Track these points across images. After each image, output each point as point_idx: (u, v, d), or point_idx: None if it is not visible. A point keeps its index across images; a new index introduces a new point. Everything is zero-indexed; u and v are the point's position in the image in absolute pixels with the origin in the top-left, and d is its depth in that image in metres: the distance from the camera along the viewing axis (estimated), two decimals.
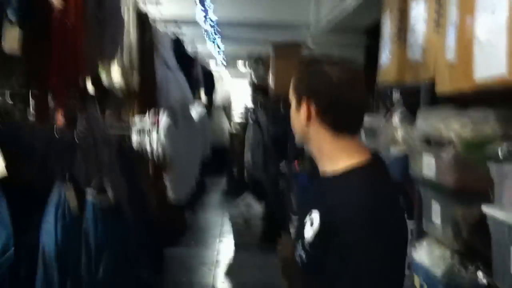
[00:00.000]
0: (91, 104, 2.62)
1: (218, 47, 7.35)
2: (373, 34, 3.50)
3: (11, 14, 1.90)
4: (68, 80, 2.25)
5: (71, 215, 2.09)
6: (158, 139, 4.68)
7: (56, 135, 2.28)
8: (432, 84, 1.80)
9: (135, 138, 3.90)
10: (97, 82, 2.98)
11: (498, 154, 1.34)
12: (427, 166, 1.67)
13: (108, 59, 2.79)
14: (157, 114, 4.44)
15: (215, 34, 6.09)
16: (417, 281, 1.73)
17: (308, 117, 1.29)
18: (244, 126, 8.17)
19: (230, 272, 4.77)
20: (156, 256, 3.09)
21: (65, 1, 2.09)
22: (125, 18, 3.11)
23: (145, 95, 3.59)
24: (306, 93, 1.30)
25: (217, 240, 5.68)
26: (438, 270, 1.59)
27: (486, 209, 1.33)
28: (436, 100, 1.83)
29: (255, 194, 5.88)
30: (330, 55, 1.38)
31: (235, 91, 10.92)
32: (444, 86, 1.69)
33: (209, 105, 8.22)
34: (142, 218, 2.64)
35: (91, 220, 2.14)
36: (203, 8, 4.67)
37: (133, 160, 2.90)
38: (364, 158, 1.27)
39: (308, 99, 1.29)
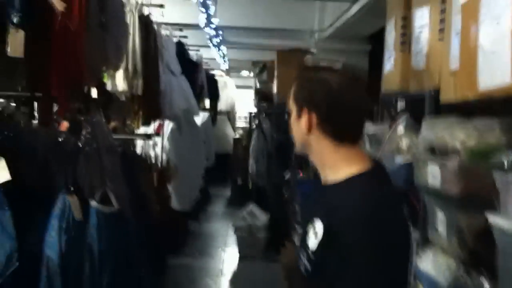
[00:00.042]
0: (95, 109, 2.63)
1: (222, 53, 7.36)
2: (377, 40, 3.51)
3: (14, 18, 1.91)
4: (72, 84, 2.26)
5: (75, 225, 2.08)
6: (162, 145, 4.69)
7: (59, 140, 2.28)
8: (436, 93, 1.80)
9: (139, 144, 3.91)
10: (101, 87, 2.99)
11: (503, 163, 1.34)
12: (432, 175, 1.66)
13: (113, 65, 2.79)
14: (161, 120, 4.44)
15: (219, 39, 6.10)
16: None
17: (309, 127, 1.29)
18: (248, 131, 8.17)
19: (234, 283, 4.75)
20: (160, 266, 3.08)
21: (67, 5, 2.10)
22: (129, 22, 3.12)
23: (149, 100, 3.59)
24: (307, 103, 1.30)
25: (221, 250, 5.66)
26: (443, 279, 1.58)
27: (492, 218, 1.33)
28: (440, 108, 1.83)
29: (259, 203, 5.86)
30: (330, 61, 1.39)
31: (239, 97, 10.93)
32: (448, 94, 1.69)
33: (213, 112, 8.22)
34: (145, 227, 2.64)
35: (94, 228, 2.13)
36: (207, 13, 4.68)
37: (137, 167, 2.90)
38: (365, 166, 1.27)
39: (309, 109, 1.29)
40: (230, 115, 9.91)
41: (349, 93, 1.28)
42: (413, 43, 2.09)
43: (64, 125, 2.51)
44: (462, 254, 1.55)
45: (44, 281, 2.05)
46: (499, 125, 1.53)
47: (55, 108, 2.37)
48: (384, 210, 1.21)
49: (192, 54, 6.00)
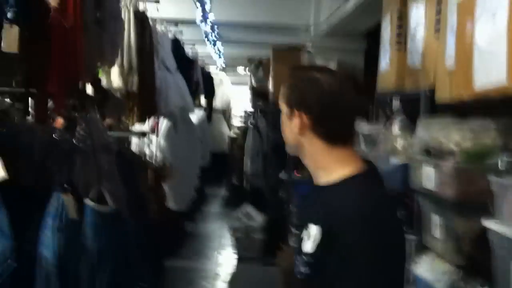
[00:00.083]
0: (90, 106, 2.61)
1: (218, 49, 7.33)
2: (373, 38, 3.50)
3: (9, 13, 1.90)
4: (67, 81, 2.24)
5: (70, 224, 2.07)
6: (158, 143, 4.67)
7: (55, 137, 2.27)
8: (432, 92, 1.79)
9: (134, 142, 3.89)
10: (96, 83, 2.97)
11: (498, 166, 1.33)
12: (427, 177, 1.64)
13: (108, 62, 2.78)
14: (156, 117, 4.42)
15: (215, 35, 6.08)
16: None
17: (301, 128, 1.28)
18: (244, 130, 8.15)
19: (231, 285, 4.74)
20: (156, 267, 3.07)
21: (61, 1, 2.08)
22: (124, 19, 3.11)
23: (144, 97, 3.58)
24: (299, 104, 1.28)
25: (217, 252, 5.63)
26: (440, 285, 1.56)
27: (487, 223, 1.32)
28: (436, 107, 1.82)
29: (255, 203, 5.82)
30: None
31: (235, 95, 10.89)
32: (443, 93, 1.68)
33: (209, 109, 8.19)
34: (141, 227, 2.63)
35: (90, 227, 2.12)
36: (202, 9, 4.66)
37: (132, 165, 2.88)
38: (359, 167, 1.27)
39: (301, 110, 1.27)
40: (225, 113, 9.88)
41: (341, 94, 1.27)
42: (409, 41, 2.09)
43: (59, 121, 2.50)
44: (459, 259, 1.53)
45: (39, 281, 2.03)
46: (495, 126, 1.52)
47: (50, 104, 2.36)
48: (382, 210, 1.21)
49: (188, 50, 5.98)
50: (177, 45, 4.98)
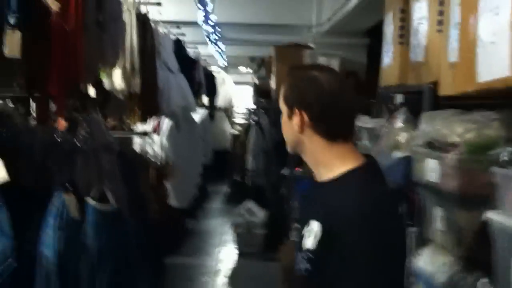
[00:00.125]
0: (92, 107, 2.61)
1: (220, 49, 7.34)
2: (375, 34, 3.49)
3: (11, 18, 1.90)
4: (68, 83, 2.25)
5: (72, 223, 2.07)
6: (160, 142, 4.68)
7: (57, 139, 2.27)
8: (435, 86, 1.79)
9: (136, 142, 3.90)
10: (98, 85, 2.97)
11: (501, 157, 1.32)
12: (430, 170, 1.64)
13: (109, 64, 2.78)
14: (158, 117, 4.43)
15: (217, 36, 6.08)
16: None
17: (302, 127, 1.28)
18: (246, 127, 8.15)
19: (232, 282, 4.74)
20: (157, 264, 3.07)
21: (63, 4, 2.08)
22: (126, 20, 3.11)
23: (147, 98, 3.58)
24: (299, 102, 1.29)
25: (219, 249, 5.63)
26: (441, 277, 1.56)
27: (489, 215, 1.31)
28: (439, 102, 1.81)
29: (257, 200, 5.84)
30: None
31: (237, 93, 10.90)
32: (447, 88, 1.68)
33: (211, 108, 8.21)
34: (143, 225, 2.63)
35: (91, 226, 2.12)
36: (204, 10, 4.67)
37: (134, 165, 2.89)
38: (359, 162, 1.27)
39: (301, 108, 1.28)
40: (228, 111, 9.89)
41: (340, 91, 1.28)
42: (412, 36, 2.08)
43: (62, 123, 2.50)
44: (460, 252, 1.53)
45: (40, 280, 2.04)
46: (498, 118, 1.51)
47: (52, 106, 2.36)
48: (382, 207, 1.20)
49: (190, 51, 5.99)
50: (179, 46, 4.99)
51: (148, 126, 4.25)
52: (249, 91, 9.89)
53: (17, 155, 2.06)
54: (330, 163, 1.28)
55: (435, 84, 1.79)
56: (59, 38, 2.12)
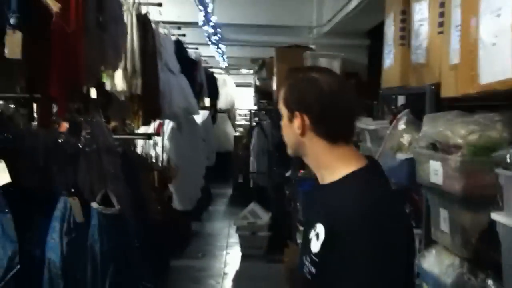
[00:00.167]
0: (94, 109, 2.62)
1: (221, 50, 7.34)
2: (376, 35, 3.49)
3: (12, 19, 1.90)
4: (70, 85, 2.25)
5: (76, 227, 2.08)
6: (163, 145, 4.68)
7: (59, 141, 2.27)
8: (437, 87, 1.79)
9: (139, 144, 3.90)
10: (100, 87, 2.98)
11: (506, 159, 1.32)
12: (434, 172, 1.64)
13: (111, 66, 2.78)
14: (161, 119, 4.43)
15: (218, 37, 6.08)
16: None
17: (303, 129, 1.28)
18: (248, 129, 8.16)
19: (237, 283, 4.74)
20: (161, 267, 3.07)
21: (64, 5, 2.08)
22: (127, 23, 3.11)
23: (149, 100, 3.58)
24: (299, 105, 1.28)
25: (224, 252, 5.64)
26: (447, 279, 1.56)
27: (495, 216, 1.31)
28: (441, 103, 1.81)
29: (260, 201, 5.84)
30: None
31: (239, 95, 10.90)
32: (449, 89, 1.68)
33: (213, 110, 8.20)
34: (147, 228, 2.63)
35: (96, 230, 2.12)
36: (205, 11, 4.67)
37: (137, 167, 2.89)
38: (360, 164, 1.27)
39: (302, 111, 1.28)
40: (230, 113, 9.90)
41: (340, 93, 1.28)
42: (413, 37, 2.08)
43: (64, 126, 2.50)
44: (466, 253, 1.53)
45: (46, 284, 2.04)
46: (501, 120, 1.51)
47: (55, 109, 2.36)
48: (383, 207, 1.20)
49: (191, 52, 5.99)
50: (180, 48, 4.99)
51: (150, 128, 4.25)
52: (250, 93, 9.88)
53: (19, 157, 2.06)
54: (332, 165, 1.28)
55: (437, 85, 1.79)
56: (60, 39, 2.12)
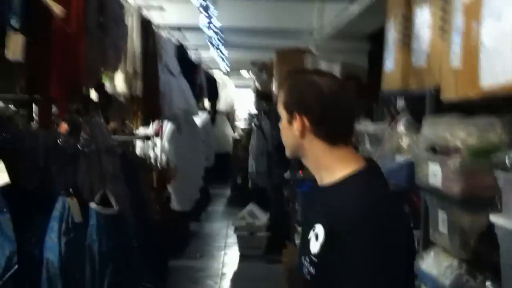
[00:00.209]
0: (95, 111, 2.62)
1: (222, 53, 7.35)
2: (377, 40, 3.50)
3: (14, 21, 1.90)
4: (70, 86, 2.25)
5: (75, 228, 2.08)
6: (162, 146, 4.68)
7: (59, 142, 2.27)
8: (437, 91, 1.79)
9: (138, 145, 3.90)
10: (100, 88, 2.98)
11: (505, 162, 1.32)
12: (433, 174, 1.65)
13: (111, 67, 2.78)
14: (160, 121, 4.43)
15: (219, 40, 6.09)
16: None
17: (303, 131, 1.29)
18: (248, 131, 8.17)
19: (235, 283, 4.73)
20: (160, 268, 3.07)
21: (65, 8, 2.09)
22: (129, 25, 3.12)
23: (149, 101, 3.59)
24: (299, 107, 1.29)
25: (222, 252, 5.64)
26: (446, 280, 1.57)
27: (494, 218, 1.31)
28: (441, 106, 1.81)
29: (259, 202, 5.85)
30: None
31: (239, 97, 10.91)
32: (449, 93, 1.68)
33: (213, 112, 8.22)
34: (146, 228, 2.63)
35: (94, 230, 2.12)
36: (206, 15, 4.67)
37: (136, 168, 2.89)
38: (359, 165, 1.28)
39: (301, 113, 1.28)
40: (229, 115, 9.90)
41: (339, 94, 1.29)
42: (414, 41, 2.08)
43: (63, 126, 2.50)
44: (465, 254, 1.54)
45: (44, 284, 2.04)
46: (501, 123, 1.51)
47: (54, 110, 2.36)
48: (382, 208, 1.21)
49: (192, 55, 5.99)
50: (181, 50, 4.99)
51: (150, 130, 4.26)
52: (250, 95, 9.89)
53: (19, 157, 2.06)
54: (331, 167, 1.28)
55: (437, 89, 1.79)
56: (61, 40, 2.12)
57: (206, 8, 4.46)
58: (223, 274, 4.94)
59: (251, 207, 5.67)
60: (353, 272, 1.15)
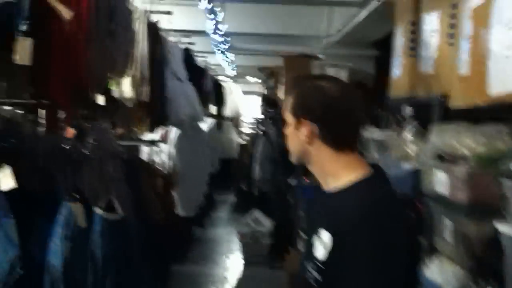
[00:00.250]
0: (101, 115, 2.63)
1: (229, 59, 7.36)
2: (384, 46, 3.49)
3: (21, 25, 1.91)
4: (78, 91, 2.25)
5: (79, 233, 2.07)
6: (168, 151, 4.68)
7: (65, 147, 2.28)
8: (445, 98, 1.78)
9: (144, 150, 3.90)
10: (107, 93, 2.99)
11: (511, 170, 1.31)
12: (439, 182, 1.63)
13: (119, 73, 2.79)
14: (167, 126, 4.44)
15: (226, 46, 6.10)
16: None
17: (309, 136, 1.28)
18: (253, 137, 8.16)
19: None
20: (163, 272, 3.06)
21: (75, 14, 2.09)
22: (136, 29, 3.13)
23: (155, 107, 3.59)
24: (307, 112, 1.29)
25: (225, 257, 5.63)
26: None
27: (500, 226, 1.30)
28: (448, 114, 1.80)
29: (263, 209, 5.83)
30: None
31: (245, 103, 10.92)
32: (457, 100, 1.67)
33: (219, 117, 8.22)
34: (149, 234, 2.62)
35: (98, 235, 2.12)
36: (214, 20, 4.68)
37: (141, 174, 2.89)
38: (365, 171, 1.27)
39: (309, 118, 1.28)
40: (235, 120, 9.90)
41: (347, 100, 1.29)
42: (422, 48, 2.07)
43: (70, 132, 2.51)
44: (469, 263, 1.52)
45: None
46: (508, 131, 1.50)
47: (61, 114, 2.37)
48: (381, 208, 1.21)
49: (199, 60, 6.01)
50: (188, 55, 5.00)
51: (155, 135, 4.26)
52: (257, 101, 9.90)
53: (25, 162, 2.06)
54: (337, 173, 1.28)
55: (445, 96, 1.78)
56: (70, 46, 2.13)
57: (213, 13, 4.46)
58: (226, 279, 4.93)
59: (255, 213, 5.65)
60: (353, 272, 1.16)
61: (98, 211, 2.16)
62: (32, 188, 2.03)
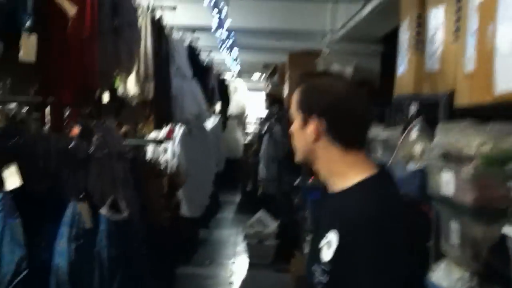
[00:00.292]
0: (106, 114, 2.62)
1: (233, 55, 7.35)
2: (390, 42, 3.46)
3: (27, 22, 1.91)
4: (84, 89, 2.25)
5: (85, 233, 2.08)
6: (173, 150, 4.68)
7: (70, 146, 2.28)
8: (451, 96, 1.76)
9: (150, 149, 3.91)
10: (113, 91, 2.99)
11: None
12: (446, 183, 1.61)
13: (124, 71, 2.79)
14: (172, 124, 4.44)
15: (231, 42, 6.09)
16: None
17: (317, 134, 1.26)
18: (258, 136, 8.14)
19: None
20: (168, 274, 3.06)
21: (79, 10, 2.09)
22: (141, 26, 3.12)
23: (160, 105, 3.59)
24: (314, 110, 1.27)
25: (231, 260, 5.61)
26: None
27: (507, 230, 1.28)
28: (454, 112, 1.78)
29: (269, 209, 5.81)
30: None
31: (250, 101, 10.89)
32: (463, 98, 1.64)
33: (224, 116, 8.20)
34: (155, 235, 2.62)
35: (104, 236, 2.12)
36: (219, 17, 4.67)
37: (147, 173, 2.89)
38: (372, 172, 1.26)
39: (316, 116, 1.26)
40: (240, 119, 9.88)
41: (354, 98, 1.28)
42: (427, 44, 2.05)
43: (76, 130, 2.51)
44: (476, 266, 1.50)
45: None
46: None
47: (67, 113, 2.37)
48: (383, 207, 1.20)
49: (203, 56, 5.99)
50: (192, 52, 4.99)
51: (161, 134, 4.26)
52: (261, 98, 9.86)
53: (30, 161, 2.06)
54: (344, 173, 1.27)
55: (451, 94, 1.76)
56: (75, 43, 2.13)
57: (218, 9, 4.45)
58: (231, 282, 4.90)
59: (261, 214, 5.63)
60: (355, 272, 1.15)
61: (104, 211, 2.16)
62: (38, 189, 2.04)
